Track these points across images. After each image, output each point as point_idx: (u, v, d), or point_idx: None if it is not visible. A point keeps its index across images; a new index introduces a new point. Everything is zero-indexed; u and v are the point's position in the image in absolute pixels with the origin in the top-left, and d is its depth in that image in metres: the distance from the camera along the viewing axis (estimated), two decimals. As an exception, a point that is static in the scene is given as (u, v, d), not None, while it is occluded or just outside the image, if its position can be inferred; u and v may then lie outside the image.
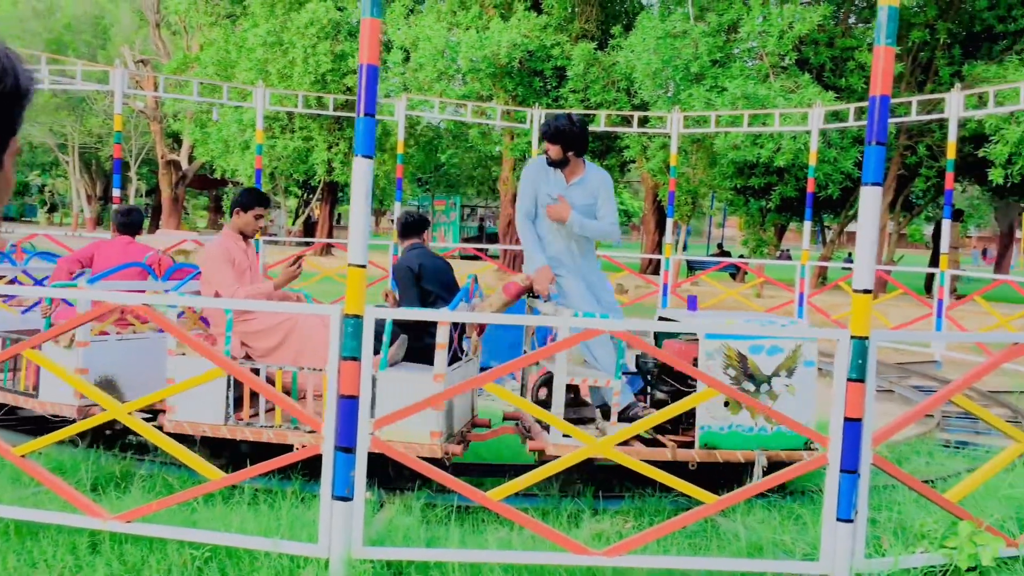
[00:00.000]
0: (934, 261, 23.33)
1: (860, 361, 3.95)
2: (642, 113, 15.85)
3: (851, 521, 3.97)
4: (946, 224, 12.04)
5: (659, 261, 21.30)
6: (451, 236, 36.09)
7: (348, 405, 3.91)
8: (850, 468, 3.96)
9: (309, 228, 35.91)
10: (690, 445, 5.19)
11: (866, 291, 3.92)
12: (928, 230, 57.26)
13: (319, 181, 27.74)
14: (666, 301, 14.14)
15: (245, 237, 6.11)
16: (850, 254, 39.24)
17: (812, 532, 4.46)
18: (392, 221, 17.81)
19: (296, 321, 5.71)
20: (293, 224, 35.98)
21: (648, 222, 30.69)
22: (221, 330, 5.71)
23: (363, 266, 3.85)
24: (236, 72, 23.70)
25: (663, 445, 5.24)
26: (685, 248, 32.85)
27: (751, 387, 5.17)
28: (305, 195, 36.66)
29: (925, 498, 4.23)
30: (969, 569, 4.03)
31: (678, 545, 4.40)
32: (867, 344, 3.95)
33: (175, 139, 35.80)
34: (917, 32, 16.98)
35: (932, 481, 5.70)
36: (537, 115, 15.09)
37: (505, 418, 6.27)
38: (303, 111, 16.80)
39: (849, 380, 3.95)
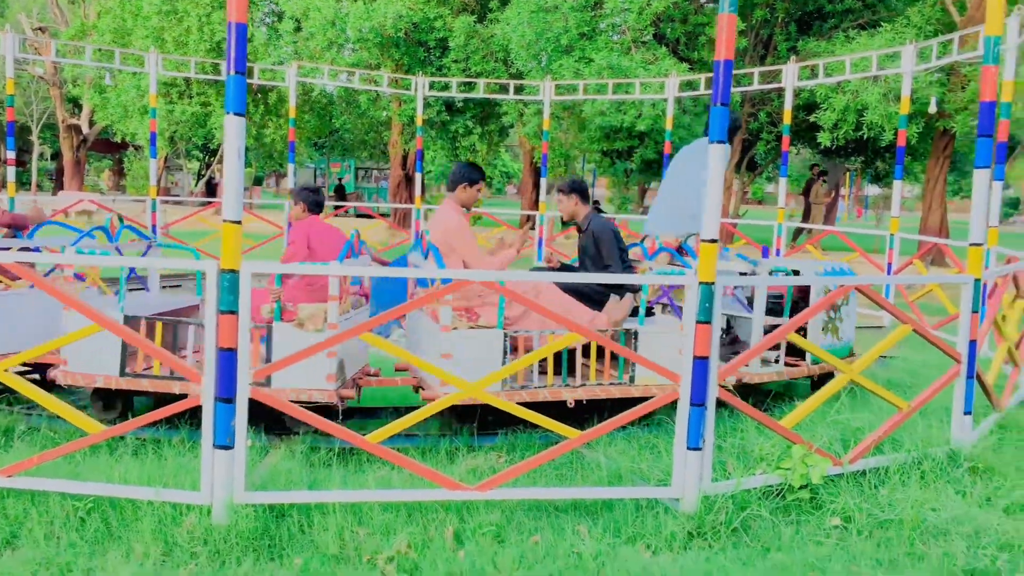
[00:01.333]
0: (806, 216, 24.03)
1: (707, 304, 3.91)
2: (518, 82, 15.61)
3: (699, 449, 3.94)
4: (783, 183, 12.31)
5: (536, 218, 21.24)
6: (346, 195, 35.22)
7: (226, 357, 3.64)
8: (699, 401, 3.93)
9: (211, 189, 34.41)
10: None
11: (712, 240, 3.86)
12: (770, 188, 59.12)
13: (218, 145, 26.54)
14: (541, 254, 14.09)
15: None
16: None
17: (665, 460, 4.44)
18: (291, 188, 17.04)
19: None
20: (196, 186, 34.45)
21: (526, 182, 30.58)
22: (487, 300, 5.28)
23: (238, 222, 3.55)
24: (132, 40, 22.28)
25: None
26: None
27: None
28: (207, 158, 35.10)
29: (764, 426, 4.24)
30: (801, 487, 4.08)
31: (546, 476, 4.32)
32: (713, 289, 3.90)
33: (75, 104, 33.63)
34: (759, 11, 17.23)
35: (770, 409, 5.79)
36: (422, 83, 14.67)
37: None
38: (198, 76, 15.90)
39: (698, 322, 3.91)
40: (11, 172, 11.53)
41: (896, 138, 13.49)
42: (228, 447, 3.64)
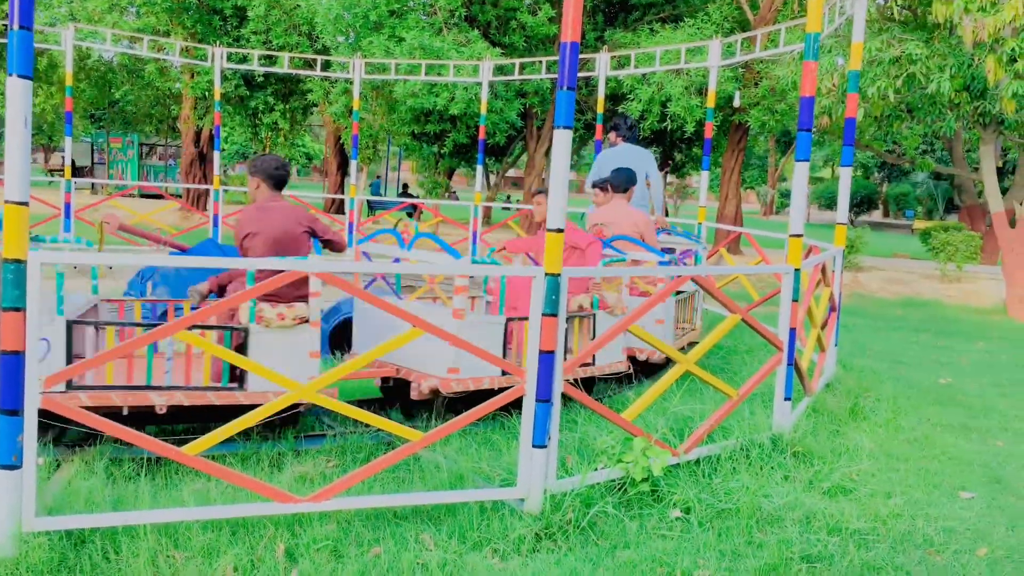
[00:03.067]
0: None
1: (553, 297, 3.82)
2: (325, 57, 15.05)
3: (545, 447, 3.87)
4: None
5: (343, 201, 20.67)
6: (129, 175, 32.73)
7: (11, 362, 3.13)
8: (544, 397, 3.85)
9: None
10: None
11: (558, 230, 3.78)
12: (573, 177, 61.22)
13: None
14: (351, 240, 13.67)
15: None
16: (509, 196, 40.86)
17: (506, 457, 4.34)
18: (63, 159, 15.26)
19: None
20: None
21: (330, 164, 29.73)
22: None
23: (24, 203, 3.05)
24: None
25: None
26: (377, 190, 32.40)
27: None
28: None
29: (605, 419, 4.24)
30: (643, 479, 4.10)
31: (383, 482, 4.09)
32: (559, 281, 3.83)
33: None
34: (569, -1, 17.64)
35: (600, 399, 5.85)
36: (219, 54, 13.77)
37: None
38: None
39: (544, 315, 3.82)
40: None
41: (701, 130, 14.19)
42: (14, 467, 3.15)
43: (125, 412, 4.45)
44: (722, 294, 4.66)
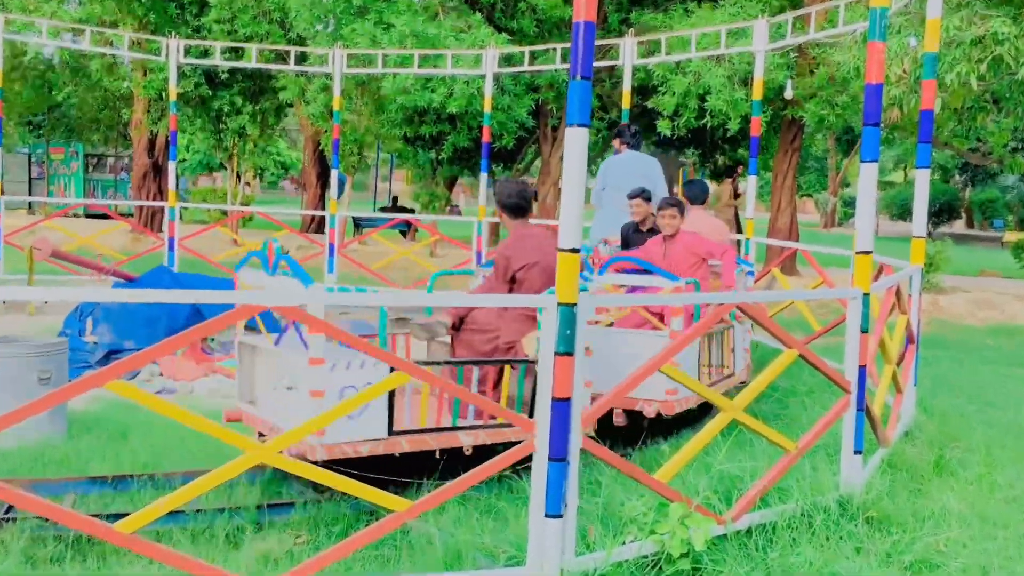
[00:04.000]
0: None
1: (568, 332, 3.71)
2: (300, 49, 15.09)
3: (560, 516, 3.74)
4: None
5: (323, 218, 20.70)
6: (73, 191, 32.92)
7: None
8: (559, 456, 3.73)
9: None
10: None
11: (573, 250, 3.68)
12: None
13: None
14: (332, 264, 13.62)
15: None
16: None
17: (514, 529, 4.21)
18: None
19: None
20: None
21: (309, 175, 29.88)
22: None
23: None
24: None
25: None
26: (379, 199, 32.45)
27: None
28: None
29: (635, 480, 4.11)
30: (682, 555, 3.96)
31: (364, 561, 3.97)
32: (575, 312, 3.72)
33: None
34: (587, -24, 17.65)
35: (629, 454, 5.73)
36: (175, 46, 13.82)
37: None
38: None
39: (557, 354, 3.71)
40: None
41: (746, 127, 14.11)
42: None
43: (438, 455, 5.05)
44: (775, 325, 4.55)
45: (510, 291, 5.78)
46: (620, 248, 8.58)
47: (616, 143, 9.76)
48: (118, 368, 3.37)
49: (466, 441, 5.20)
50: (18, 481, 4.93)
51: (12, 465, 5.42)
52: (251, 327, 5.72)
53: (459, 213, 32.40)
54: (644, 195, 8.38)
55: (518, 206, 5.91)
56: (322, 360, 4.82)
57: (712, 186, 39.09)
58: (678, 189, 40.40)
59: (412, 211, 28.77)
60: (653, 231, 8.21)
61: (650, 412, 6.21)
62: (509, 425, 5.02)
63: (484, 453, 4.73)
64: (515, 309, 5.68)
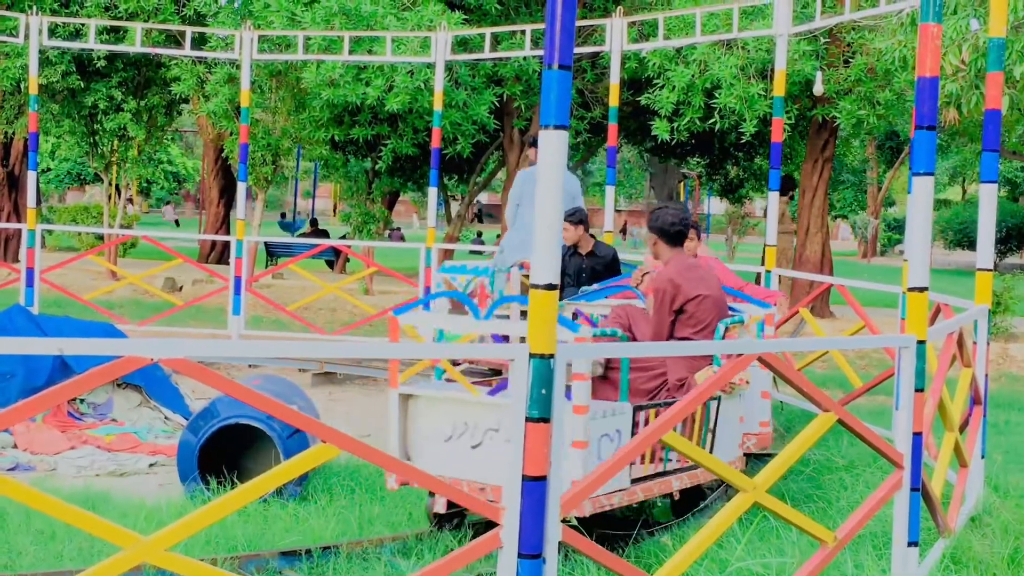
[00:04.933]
0: None
1: (543, 391, 3.68)
2: (198, 29, 15.03)
3: (533, 631, 3.69)
4: (610, 192, 12.60)
5: (227, 245, 20.56)
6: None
7: None
8: (532, 552, 3.69)
9: None
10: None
11: (550, 286, 3.66)
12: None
13: None
14: (239, 302, 13.50)
15: None
16: (480, 234, 40.99)
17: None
18: None
19: None
20: None
21: (210, 189, 29.81)
22: None
23: None
24: None
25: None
26: (291, 227, 32.27)
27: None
28: None
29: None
30: None
31: None
32: (552, 365, 3.69)
33: None
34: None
35: (622, 548, 5.69)
36: (36, 24, 13.75)
37: None
38: None
39: (528, 420, 3.68)
40: None
41: (765, 131, 14.21)
42: None
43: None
44: (806, 381, 4.54)
45: (674, 323, 6.54)
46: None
47: (532, 153, 10.61)
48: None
49: (676, 485, 6.15)
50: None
51: None
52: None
53: (401, 238, 32.45)
54: (573, 217, 9.24)
55: (680, 234, 6.72)
56: (586, 408, 5.37)
57: (723, 205, 39.50)
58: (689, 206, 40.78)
59: (325, 234, 28.66)
60: (593, 255, 9.44)
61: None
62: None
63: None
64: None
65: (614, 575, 4.39)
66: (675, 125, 15.89)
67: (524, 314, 6.83)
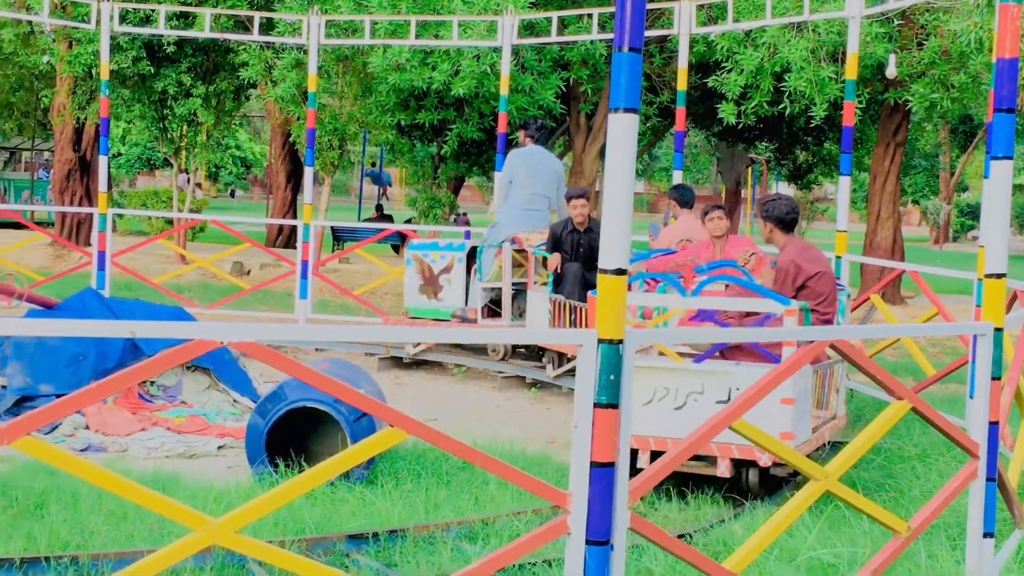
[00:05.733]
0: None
1: (612, 377, 3.66)
2: (266, 15, 15.15)
3: (601, 617, 3.68)
4: (677, 177, 12.52)
5: (294, 229, 20.74)
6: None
7: None
8: (600, 538, 3.68)
9: None
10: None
11: (619, 271, 3.64)
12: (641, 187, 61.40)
13: None
14: (306, 286, 13.60)
15: None
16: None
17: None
18: None
19: None
20: None
21: (277, 174, 30.06)
22: None
23: None
24: None
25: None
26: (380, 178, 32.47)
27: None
28: None
29: (696, 568, 4.04)
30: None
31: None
32: (620, 351, 3.67)
33: None
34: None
35: (690, 535, 5.67)
36: (108, 12, 13.93)
37: None
38: None
39: (597, 406, 3.66)
40: None
41: (836, 116, 14.05)
42: None
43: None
44: (880, 369, 4.48)
45: (795, 298, 7.20)
46: (550, 248, 10.90)
47: (521, 135, 12.22)
48: (32, 421, 3.33)
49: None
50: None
51: None
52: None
53: (467, 223, 32.44)
54: (586, 195, 11.17)
55: (794, 220, 7.69)
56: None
57: (791, 190, 39.18)
58: (747, 192, 40.52)
59: (390, 219, 28.77)
60: (590, 230, 10.83)
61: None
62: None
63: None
64: (813, 315, 7.20)
65: (682, 562, 4.37)
66: (743, 109, 15.75)
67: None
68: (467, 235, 13.46)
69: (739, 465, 6.74)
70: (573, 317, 10.28)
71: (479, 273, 11.73)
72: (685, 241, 9.78)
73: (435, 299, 11.93)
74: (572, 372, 10.31)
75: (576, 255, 10.84)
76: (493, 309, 11.72)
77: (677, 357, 7.21)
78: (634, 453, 6.60)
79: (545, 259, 11.04)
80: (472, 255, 11.93)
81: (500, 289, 11.59)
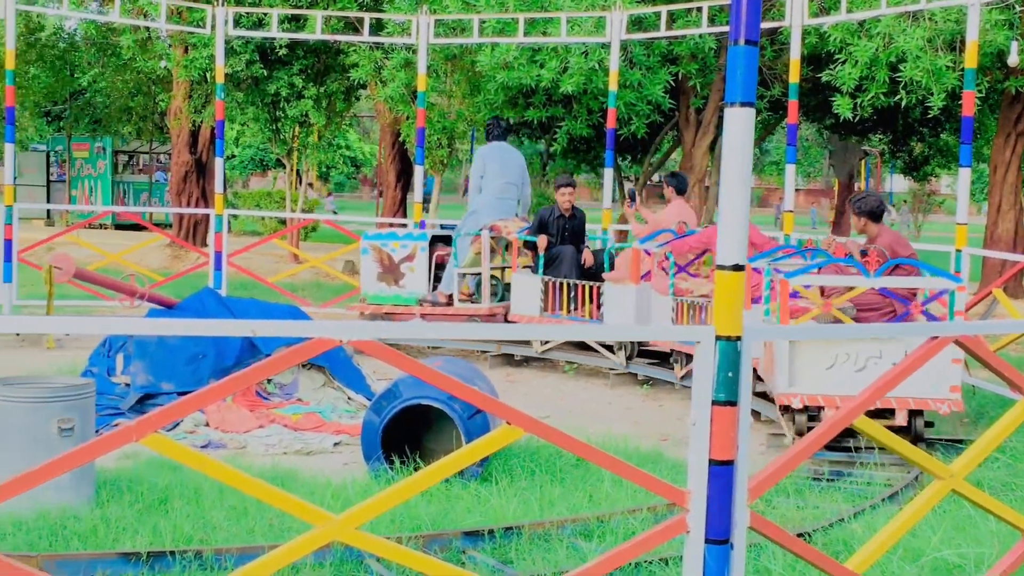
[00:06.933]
0: (841, 218, 24.35)
1: (730, 374, 3.63)
2: (376, 16, 15.30)
3: (722, 617, 3.65)
4: (790, 171, 12.36)
5: (404, 227, 20.88)
6: (99, 196, 34.07)
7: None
8: (719, 537, 3.64)
9: None
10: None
11: (736, 267, 3.61)
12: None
13: None
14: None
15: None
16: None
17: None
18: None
19: None
20: None
21: (387, 173, 30.27)
22: None
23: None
24: None
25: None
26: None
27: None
28: None
29: (817, 568, 3.98)
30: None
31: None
32: (739, 348, 3.64)
33: None
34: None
35: (809, 535, 5.59)
36: (222, 16, 14.20)
37: None
38: None
39: (715, 403, 3.63)
40: None
41: (954, 106, 13.74)
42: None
43: None
44: (1007, 365, 4.37)
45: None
46: (535, 232, 11.93)
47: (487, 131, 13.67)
48: (159, 418, 3.41)
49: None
50: (35, 558, 5.05)
51: (28, 538, 5.54)
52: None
53: (692, 225, 32.34)
54: (573, 183, 12.70)
55: (882, 213, 8.71)
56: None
57: (907, 183, 38.38)
58: (860, 185, 39.88)
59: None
60: (573, 217, 12.15)
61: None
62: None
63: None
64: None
65: (801, 562, 4.31)
66: (858, 101, 15.48)
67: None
68: (422, 224, 14.05)
69: (912, 415, 7.85)
70: (573, 295, 11.44)
71: (455, 259, 12.55)
72: (681, 223, 10.96)
73: (396, 286, 12.81)
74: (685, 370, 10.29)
75: (562, 239, 11.96)
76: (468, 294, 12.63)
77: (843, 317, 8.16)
78: (819, 410, 7.82)
79: (526, 243, 12.06)
80: (433, 244, 12.88)
81: (474, 274, 12.50)
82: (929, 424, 8.07)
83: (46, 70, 24.19)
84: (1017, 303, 15.38)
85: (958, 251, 10.44)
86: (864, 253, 9.08)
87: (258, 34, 16.44)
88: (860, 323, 8.09)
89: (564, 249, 11.84)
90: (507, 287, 12.54)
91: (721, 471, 3.65)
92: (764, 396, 8.68)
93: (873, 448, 7.36)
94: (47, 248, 16.51)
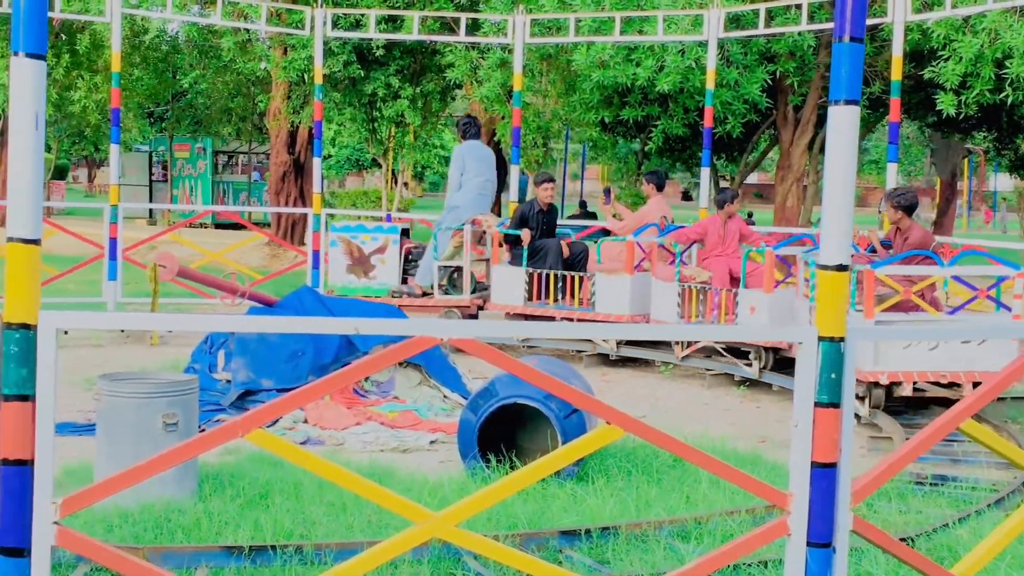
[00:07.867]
0: (943, 216, 24.00)
1: (833, 375, 3.59)
2: (472, 16, 15.36)
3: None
4: (891, 169, 12.16)
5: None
6: (200, 195, 34.69)
7: (14, 475, 3.22)
8: (822, 540, 3.60)
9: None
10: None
11: (840, 267, 3.56)
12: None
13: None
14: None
15: None
16: (750, 214, 40.32)
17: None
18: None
19: None
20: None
21: (481, 172, 30.35)
22: None
23: (32, 241, 3.15)
24: None
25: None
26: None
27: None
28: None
29: (922, 573, 3.91)
30: None
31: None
32: (842, 349, 3.59)
33: None
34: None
35: (912, 539, 5.50)
36: (321, 18, 14.36)
37: None
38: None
39: (818, 405, 3.59)
40: None
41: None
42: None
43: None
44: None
45: None
46: (516, 226, 12.51)
47: (460, 131, 13.77)
48: (262, 414, 3.47)
49: None
50: (140, 550, 5.16)
51: (133, 530, 5.67)
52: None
53: (671, 220, 32.19)
54: (554, 179, 13.35)
55: (916, 207, 9.63)
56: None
57: (1012, 181, 37.55)
58: (963, 184, 39.02)
59: (594, 216, 28.75)
60: (551, 210, 12.97)
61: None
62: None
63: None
64: None
65: (904, 567, 4.24)
66: (963, 99, 15.18)
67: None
68: (387, 218, 14.71)
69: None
70: (560, 286, 12.09)
71: (435, 252, 12.93)
72: (663, 218, 12.37)
73: (365, 278, 13.24)
74: (780, 369, 10.18)
75: (541, 233, 12.59)
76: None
77: (931, 309, 8.97)
78: (895, 384, 8.58)
79: (506, 237, 12.73)
80: (404, 236, 13.38)
81: (453, 267, 12.86)
82: (1001, 399, 8.71)
83: (149, 72, 24.65)
84: None
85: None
86: (886, 244, 10.07)
87: (356, 35, 16.61)
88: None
89: (549, 242, 12.51)
90: (478, 282, 13.11)
91: (824, 473, 3.61)
92: (858, 397, 8.61)
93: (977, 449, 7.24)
94: (150, 247, 16.85)
